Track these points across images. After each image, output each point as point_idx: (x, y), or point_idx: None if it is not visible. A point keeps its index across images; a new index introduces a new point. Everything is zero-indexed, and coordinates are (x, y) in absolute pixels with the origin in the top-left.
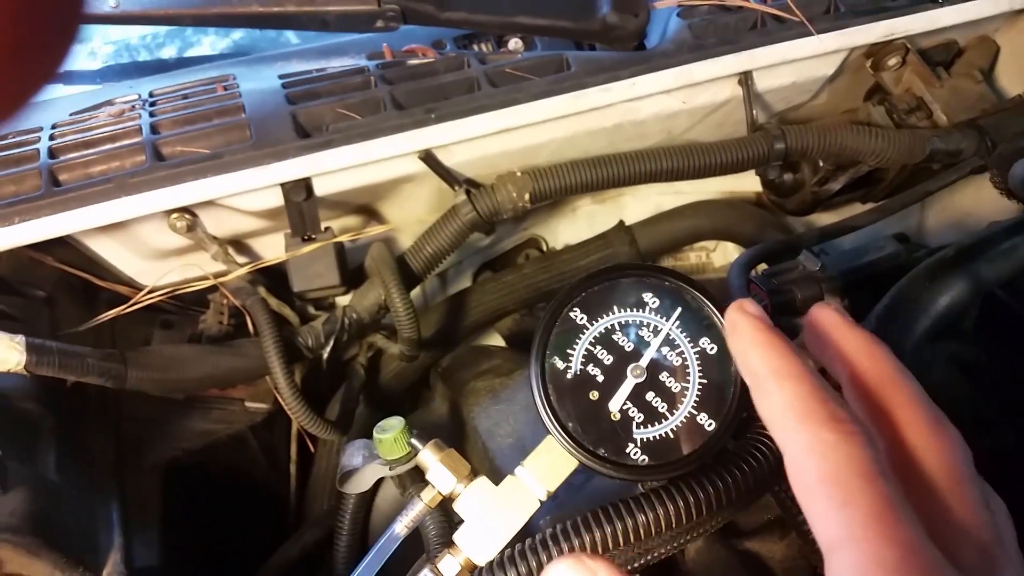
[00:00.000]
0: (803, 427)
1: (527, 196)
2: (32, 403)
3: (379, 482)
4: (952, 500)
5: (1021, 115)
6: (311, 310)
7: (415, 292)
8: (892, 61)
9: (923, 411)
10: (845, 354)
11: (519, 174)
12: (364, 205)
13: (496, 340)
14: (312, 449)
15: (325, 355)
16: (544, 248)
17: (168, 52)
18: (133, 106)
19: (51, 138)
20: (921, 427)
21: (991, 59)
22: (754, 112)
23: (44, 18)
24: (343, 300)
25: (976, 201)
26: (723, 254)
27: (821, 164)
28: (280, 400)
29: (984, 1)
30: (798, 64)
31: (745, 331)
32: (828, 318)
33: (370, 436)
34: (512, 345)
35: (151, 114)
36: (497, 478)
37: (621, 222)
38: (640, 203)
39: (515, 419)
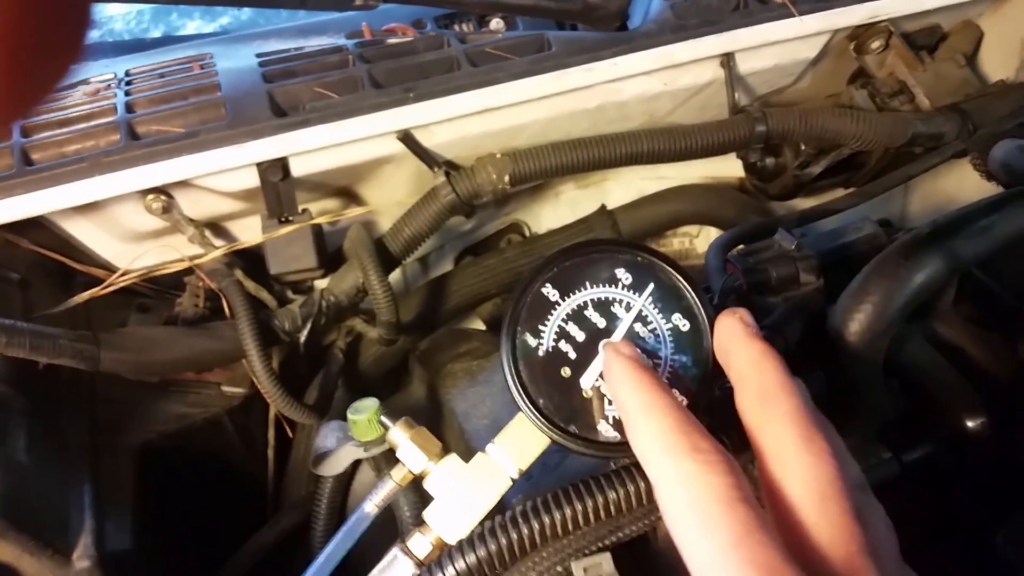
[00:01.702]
0: (667, 459)
1: (507, 178)
2: (2, 384)
3: (356, 467)
4: (817, 515)
5: (1003, 99)
6: (289, 293)
7: (395, 276)
8: (875, 44)
9: (794, 428)
10: (735, 366)
11: (499, 156)
12: (343, 187)
13: (477, 324)
14: (290, 434)
15: (302, 338)
16: (526, 233)
17: (150, 33)
18: (108, 85)
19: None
20: (790, 444)
21: (974, 44)
22: (736, 95)
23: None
24: (321, 283)
25: (959, 187)
26: (706, 239)
27: (803, 147)
28: (256, 384)
29: None
30: (781, 46)
31: (618, 370)
32: (727, 327)
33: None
34: (493, 329)
35: (126, 93)
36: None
37: (603, 206)
38: (623, 188)
39: (492, 401)
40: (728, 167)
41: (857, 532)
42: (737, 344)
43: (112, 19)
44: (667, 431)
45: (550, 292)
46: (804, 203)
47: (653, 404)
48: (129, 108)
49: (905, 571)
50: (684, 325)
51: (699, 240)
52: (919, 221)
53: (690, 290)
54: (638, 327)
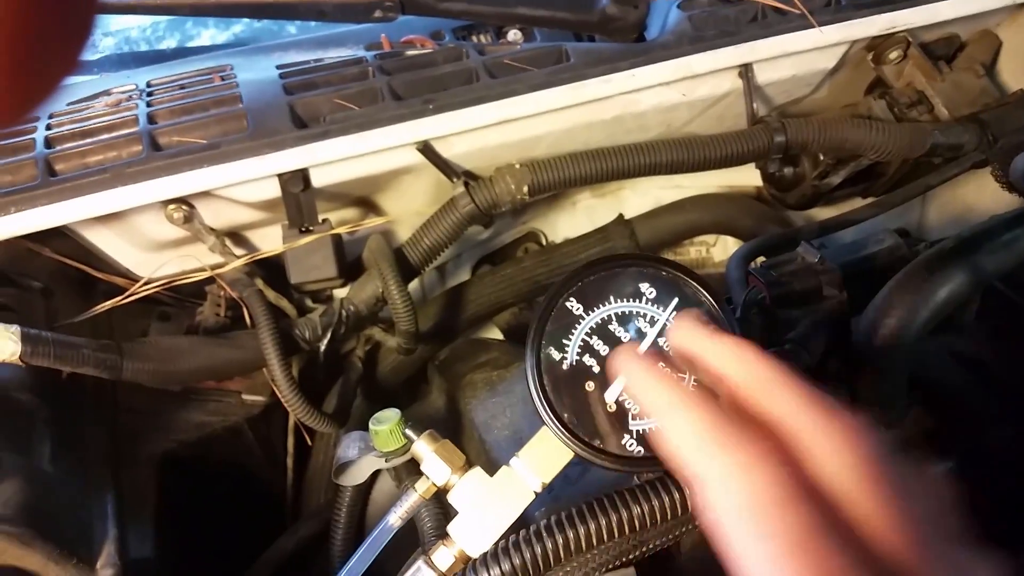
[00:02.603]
0: (710, 454)
1: (525, 188)
2: (27, 393)
3: (376, 475)
4: (864, 505)
5: (1022, 109)
6: (309, 302)
7: (413, 285)
8: (893, 55)
9: (806, 414)
10: (715, 369)
11: (517, 166)
12: (362, 197)
13: (494, 334)
14: (309, 442)
15: (322, 348)
16: (543, 242)
17: (166, 43)
18: (130, 96)
19: (48, 127)
20: (808, 433)
21: (993, 53)
22: (754, 105)
23: (61, 11)
24: (341, 292)
25: (978, 196)
26: (723, 248)
27: (821, 158)
28: (277, 393)
29: None
30: (799, 57)
31: (638, 370)
32: (687, 332)
33: (367, 429)
34: (510, 338)
35: (148, 104)
36: (493, 471)
37: (620, 215)
38: (640, 197)
39: (512, 411)
40: (745, 176)
41: (908, 515)
42: (706, 344)
43: (128, 28)
44: (707, 424)
45: (574, 306)
46: (822, 212)
47: (684, 398)
48: (151, 119)
49: (963, 541)
50: None
51: (716, 249)
52: (937, 230)
53: (715, 305)
54: (662, 342)
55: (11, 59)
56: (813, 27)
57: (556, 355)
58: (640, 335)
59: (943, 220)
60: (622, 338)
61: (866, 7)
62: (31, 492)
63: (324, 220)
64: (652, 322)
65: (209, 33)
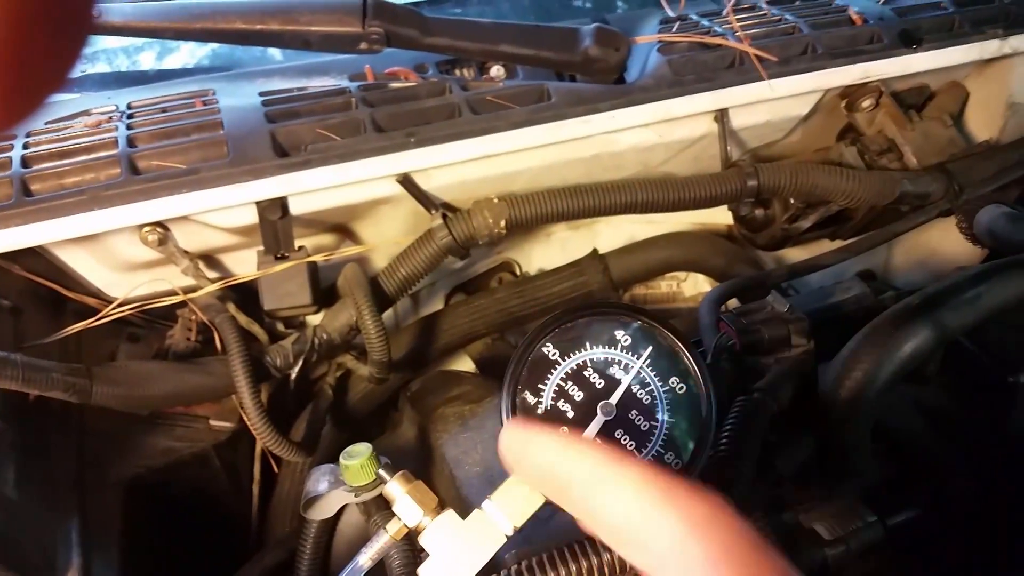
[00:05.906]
0: (672, 508)
1: (503, 223)
2: None
3: (343, 506)
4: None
5: (987, 160)
6: (280, 327)
7: (386, 313)
8: (866, 103)
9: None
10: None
11: (496, 200)
12: (339, 224)
13: (467, 363)
14: (276, 470)
15: (293, 375)
16: (517, 272)
17: (148, 62)
18: (110, 117)
19: (25, 147)
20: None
21: (960, 104)
22: (729, 148)
23: (54, 27)
24: (314, 319)
25: (941, 241)
26: (693, 284)
27: (792, 202)
28: (246, 421)
29: (956, 49)
30: (773, 103)
31: (548, 442)
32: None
33: (336, 458)
34: (482, 369)
35: (128, 127)
36: (464, 507)
37: (595, 250)
38: (614, 231)
39: (484, 447)
40: (717, 214)
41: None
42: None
43: (110, 48)
44: (653, 481)
45: (551, 351)
46: (790, 252)
47: (614, 460)
48: (131, 142)
49: None
50: (680, 388)
51: (686, 284)
52: (902, 272)
53: (688, 355)
54: (636, 389)
55: (8, 58)
56: (787, 75)
57: (531, 399)
58: (614, 382)
59: (908, 263)
60: (596, 384)
61: (841, 56)
62: None
63: (300, 247)
64: (627, 369)
65: (190, 52)
